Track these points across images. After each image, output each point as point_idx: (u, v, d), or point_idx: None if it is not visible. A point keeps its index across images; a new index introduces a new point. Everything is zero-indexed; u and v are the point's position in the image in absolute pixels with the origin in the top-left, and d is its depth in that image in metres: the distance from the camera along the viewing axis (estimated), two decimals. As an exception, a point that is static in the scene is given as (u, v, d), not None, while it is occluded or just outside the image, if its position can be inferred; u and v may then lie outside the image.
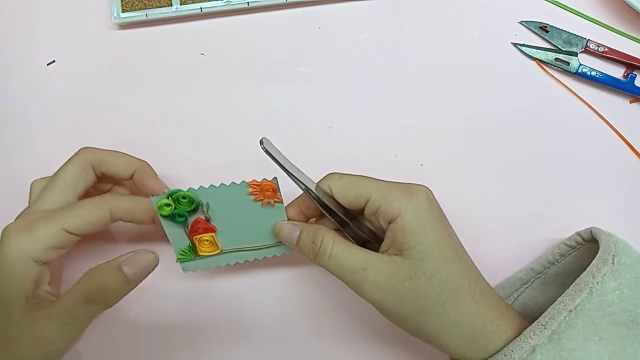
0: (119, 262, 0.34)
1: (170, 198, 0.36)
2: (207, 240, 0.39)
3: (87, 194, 0.39)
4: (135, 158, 0.41)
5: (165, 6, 0.45)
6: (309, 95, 0.46)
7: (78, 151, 0.39)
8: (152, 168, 0.41)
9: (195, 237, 0.38)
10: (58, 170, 0.39)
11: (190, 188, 0.36)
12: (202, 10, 0.45)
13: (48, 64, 0.46)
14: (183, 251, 0.39)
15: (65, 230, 0.35)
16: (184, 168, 0.45)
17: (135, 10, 0.45)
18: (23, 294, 0.34)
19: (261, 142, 0.34)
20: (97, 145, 0.40)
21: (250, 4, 0.45)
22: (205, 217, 0.38)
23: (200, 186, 0.36)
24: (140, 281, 0.35)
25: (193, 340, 0.44)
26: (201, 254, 0.39)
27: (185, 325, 0.44)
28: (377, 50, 0.46)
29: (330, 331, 0.44)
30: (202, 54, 0.46)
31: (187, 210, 0.37)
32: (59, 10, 0.46)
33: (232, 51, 0.46)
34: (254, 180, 0.36)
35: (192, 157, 0.45)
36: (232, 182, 0.36)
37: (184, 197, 0.36)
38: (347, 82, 0.46)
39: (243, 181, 0.36)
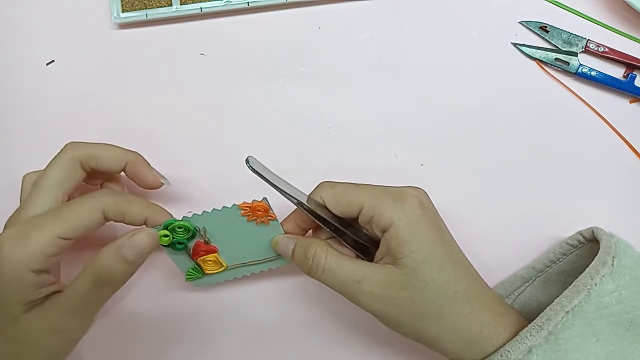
0: (118, 246, 0.34)
1: (167, 229, 0.36)
2: (210, 260, 0.39)
3: (80, 188, 0.38)
4: (126, 150, 0.39)
5: (165, 6, 0.45)
6: (309, 95, 0.46)
7: (64, 147, 0.37)
8: (144, 159, 0.40)
9: (199, 259, 0.38)
10: (46, 168, 0.37)
11: (184, 217, 0.36)
12: (202, 10, 0.45)
13: (47, 64, 0.46)
14: (190, 271, 0.39)
15: (59, 237, 0.34)
16: (183, 168, 0.45)
17: (135, 10, 0.45)
18: (23, 301, 0.33)
19: (247, 161, 0.34)
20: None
21: (250, 4, 0.45)
22: (205, 240, 0.38)
23: (194, 214, 0.36)
24: (142, 262, 0.36)
25: (188, 339, 0.44)
26: (207, 272, 0.39)
27: (183, 326, 0.44)
28: (377, 50, 0.46)
29: (325, 332, 0.44)
30: (202, 54, 0.46)
31: (185, 238, 0.37)
32: (58, 10, 0.46)
33: (232, 51, 0.46)
34: (244, 202, 0.36)
35: (192, 157, 0.45)
36: (224, 207, 0.36)
37: (179, 227, 0.36)
38: (347, 82, 0.46)
39: (234, 204, 0.36)
